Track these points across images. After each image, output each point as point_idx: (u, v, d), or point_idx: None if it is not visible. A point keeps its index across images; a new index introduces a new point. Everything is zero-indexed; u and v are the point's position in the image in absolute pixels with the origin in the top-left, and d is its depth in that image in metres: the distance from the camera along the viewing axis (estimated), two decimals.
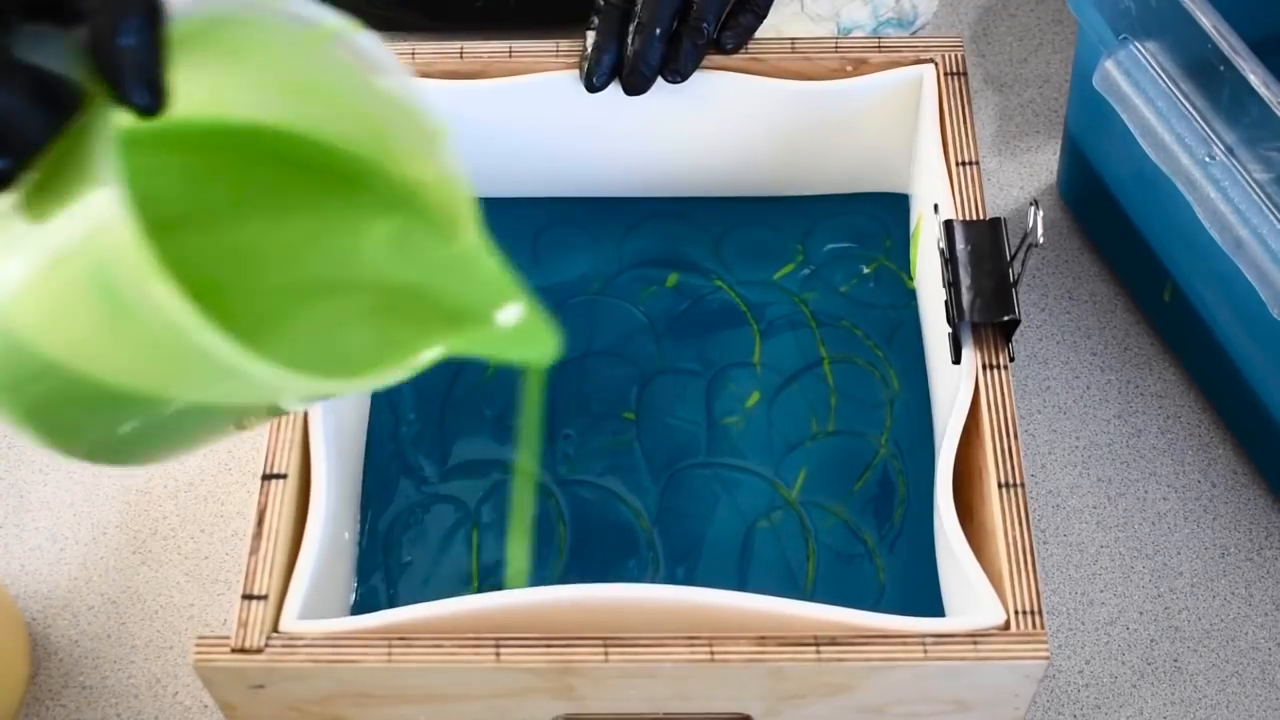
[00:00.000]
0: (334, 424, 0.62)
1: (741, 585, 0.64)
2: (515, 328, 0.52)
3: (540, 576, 0.65)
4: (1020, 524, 0.57)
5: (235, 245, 0.50)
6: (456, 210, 0.51)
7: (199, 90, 0.46)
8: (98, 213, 0.40)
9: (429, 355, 0.50)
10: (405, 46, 0.68)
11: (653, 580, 0.64)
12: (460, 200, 0.51)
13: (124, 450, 0.49)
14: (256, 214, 0.51)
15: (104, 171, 0.40)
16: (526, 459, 0.61)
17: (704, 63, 0.69)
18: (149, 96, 0.41)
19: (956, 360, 0.62)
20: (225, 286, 0.48)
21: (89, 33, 0.41)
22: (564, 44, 0.70)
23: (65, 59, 0.41)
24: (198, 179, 0.50)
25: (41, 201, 0.42)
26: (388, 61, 0.48)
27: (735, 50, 0.69)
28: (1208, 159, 0.63)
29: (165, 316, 0.40)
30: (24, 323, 0.43)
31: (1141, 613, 0.68)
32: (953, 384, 0.62)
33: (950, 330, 0.63)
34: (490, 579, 0.65)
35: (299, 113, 0.50)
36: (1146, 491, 0.71)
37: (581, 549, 0.66)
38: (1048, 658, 0.54)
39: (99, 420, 0.46)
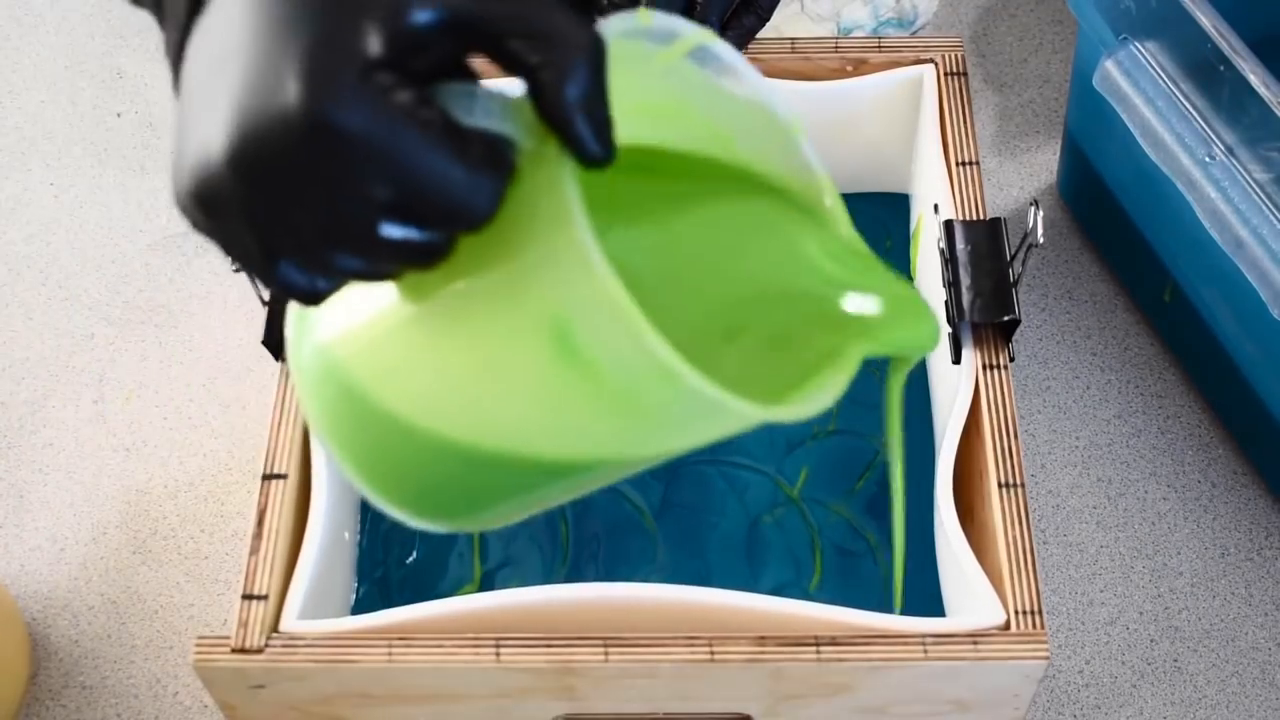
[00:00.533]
0: None
1: (748, 580, 0.64)
2: (903, 314, 0.49)
3: (543, 575, 0.65)
4: (1020, 524, 0.57)
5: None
6: (824, 205, 0.49)
7: None
8: (565, 261, 0.37)
9: (853, 365, 0.47)
10: None
11: (657, 576, 0.64)
12: (827, 194, 0.49)
13: (501, 515, 0.46)
14: (638, 243, 0.48)
15: (573, 221, 0.36)
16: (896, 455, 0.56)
17: None
18: (604, 148, 0.38)
19: (956, 360, 0.62)
20: None
21: (540, 86, 0.37)
22: None
23: (491, 114, 0.38)
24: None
25: (461, 264, 0.38)
26: (739, 65, 0.45)
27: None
28: (1208, 159, 0.63)
29: (658, 367, 0.37)
30: (437, 403, 0.40)
31: (1141, 613, 0.68)
32: (953, 384, 0.62)
33: (950, 330, 0.63)
34: (490, 579, 0.65)
35: (653, 135, 0.47)
36: (1146, 491, 0.71)
37: (585, 546, 0.65)
38: (1048, 658, 0.54)
39: (508, 493, 0.43)
